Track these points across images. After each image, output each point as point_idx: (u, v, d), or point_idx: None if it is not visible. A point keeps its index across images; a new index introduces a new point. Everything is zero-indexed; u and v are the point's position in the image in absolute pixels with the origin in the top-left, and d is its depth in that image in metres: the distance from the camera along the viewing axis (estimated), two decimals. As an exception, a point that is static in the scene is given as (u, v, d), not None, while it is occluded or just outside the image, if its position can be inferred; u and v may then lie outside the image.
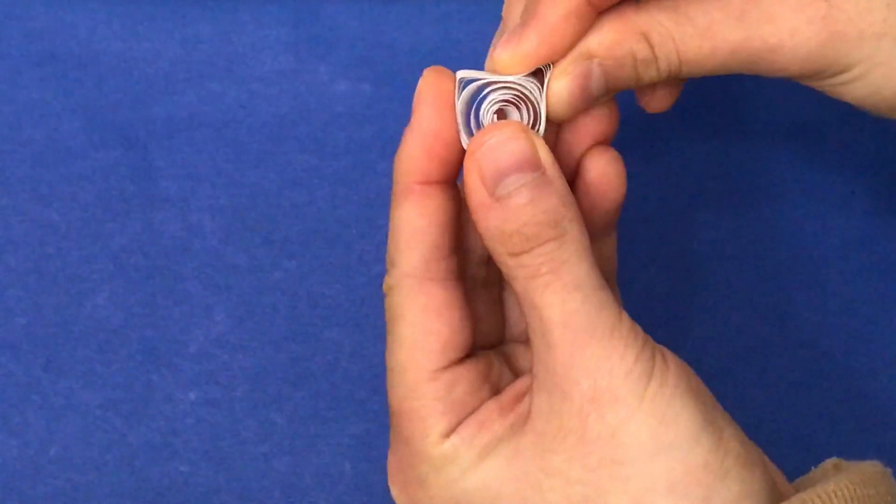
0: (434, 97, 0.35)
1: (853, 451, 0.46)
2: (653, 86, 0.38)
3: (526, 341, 0.38)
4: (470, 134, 0.35)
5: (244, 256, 0.47)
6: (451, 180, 0.35)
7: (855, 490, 0.33)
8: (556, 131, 0.37)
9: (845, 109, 0.49)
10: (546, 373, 0.33)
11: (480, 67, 0.36)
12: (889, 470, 0.36)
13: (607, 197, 0.37)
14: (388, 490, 0.37)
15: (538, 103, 0.35)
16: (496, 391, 0.36)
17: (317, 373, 0.46)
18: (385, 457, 0.37)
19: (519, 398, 0.35)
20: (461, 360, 0.35)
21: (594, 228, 0.36)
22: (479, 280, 0.38)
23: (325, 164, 0.48)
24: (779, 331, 0.47)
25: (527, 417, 0.34)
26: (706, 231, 0.48)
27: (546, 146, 0.34)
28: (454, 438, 0.34)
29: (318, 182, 0.48)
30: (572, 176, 0.37)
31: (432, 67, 0.36)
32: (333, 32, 0.49)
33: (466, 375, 0.35)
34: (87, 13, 0.49)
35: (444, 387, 0.34)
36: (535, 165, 0.33)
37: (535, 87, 0.35)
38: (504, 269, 0.34)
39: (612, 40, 0.35)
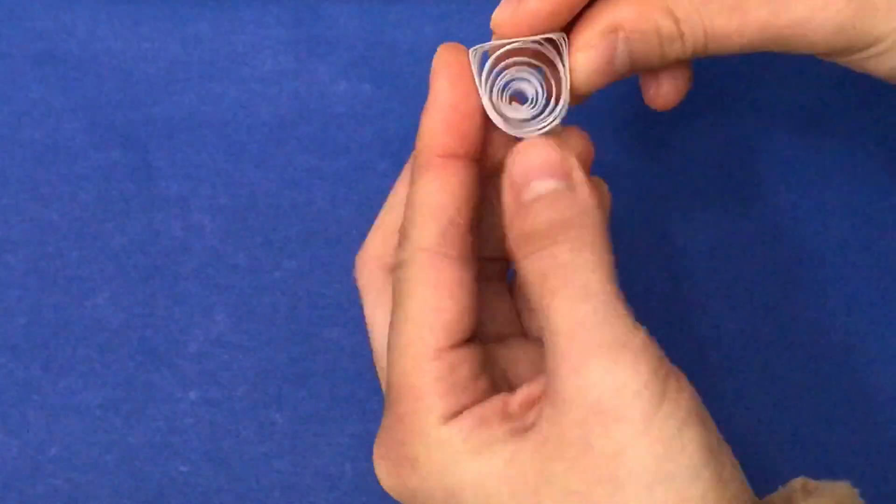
0: (450, 70, 0.35)
1: (853, 451, 0.46)
2: (658, 81, 0.38)
3: (514, 340, 0.38)
4: (493, 108, 0.35)
5: (244, 256, 0.47)
6: (472, 155, 0.35)
7: None
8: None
9: (845, 109, 0.49)
10: (553, 380, 0.33)
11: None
12: (857, 491, 0.35)
13: None
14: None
15: (559, 67, 0.35)
16: (493, 383, 0.36)
17: (317, 373, 0.46)
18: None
19: (531, 402, 0.34)
20: (464, 344, 0.35)
21: None
22: (486, 272, 0.38)
23: (325, 164, 0.48)
24: (779, 331, 0.47)
25: (534, 422, 0.33)
26: (706, 231, 0.48)
27: (574, 157, 0.34)
28: (453, 427, 0.34)
29: (318, 182, 0.48)
30: None
31: (445, 43, 0.35)
32: (333, 32, 0.49)
33: (468, 359, 0.35)
34: (87, 13, 0.49)
35: (447, 367, 0.34)
36: (562, 173, 0.34)
37: (552, 50, 0.35)
38: (520, 272, 0.34)
39: (638, 15, 0.35)
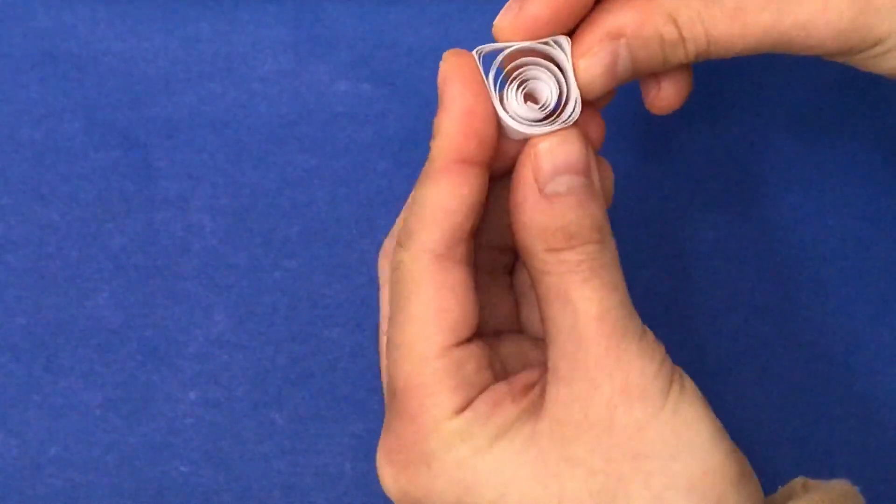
0: (462, 75, 0.35)
1: (853, 451, 0.46)
2: (659, 84, 0.38)
3: (507, 335, 0.38)
4: (504, 109, 0.35)
5: (244, 256, 0.47)
6: (486, 162, 0.35)
7: None
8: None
9: (845, 109, 0.49)
10: (571, 365, 0.34)
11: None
12: (857, 488, 0.36)
13: None
14: (388, 490, 0.36)
15: (566, 69, 0.35)
16: (496, 377, 0.36)
17: (317, 373, 0.46)
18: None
19: (528, 387, 0.35)
20: (468, 341, 0.35)
21: None
22: (486, 268, 0.38)
23: (325, 164, 0.48)
24: (779, 331, 0.47)
25: (539, 405, 0.34)
26: (706, 231, 0.48)
27: (594, 158, 0.35)
28: (468, 414, 0.34)
29: (318, 182, 0.48)
30: None
31: (451, 50, 0.35)
32: (333, 32, 0.49)
33: (474, 354, 0.35)
34: (87, 13, 0.49)
35: (455, 363, 0.34)
36: (586, 171, 0.34)
37: (558, 51, 0.35)
38: (537, 264, 0.34)
39: (639, 21, 0.35)
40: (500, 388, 0.35)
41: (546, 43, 0.35)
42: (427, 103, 0.48)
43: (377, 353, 0.39)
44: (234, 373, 0.46)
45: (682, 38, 0.35)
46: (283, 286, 0.47)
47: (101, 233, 0.47)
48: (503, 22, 0.35)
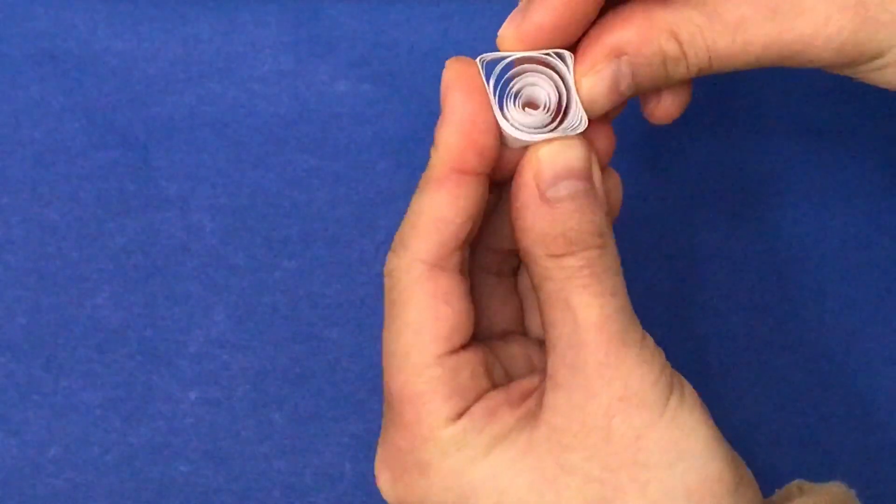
0: (464, 83, 0.35)
1: (853, 451, 0.46)
2: (658, 95, 0.38)
3: (513, 337, 0.38)
4: (504, 118, 0.35)
5: (244, 256, 0.47)
6: (486, 171, 0.35)
7: None
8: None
9: (844, 109, 0.49)
10: (569, 371, 0.34)
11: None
12: (853, 491, 0.36)
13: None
14: (388, 490, 0.36)
15: (567, 83, 0.35)
16: (492, 382, 0.36)
17: (317, 373, 0.46)
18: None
19: (526, 394, 0.35)
20: (463, 348, 0.35)
21: None
22: (493, 270, 0.38)
23: (325, 164, 0.48)
24: (779, 331, 0.47)
25: (537, 413, 0.34)
26: (706, 231, 0.48)
27: (597, 162, 0.35)
28: (464, 422, 0.34)
29: (318, 182, 0.48)
30: None
31: (455, 57, 0.35)
32: (333, 32, 0.49)
33: (469, 362, 0.35)
34: (87, 13, 0.49)
35: (449, 372, 0.34)
36: (588, 177, 0.34)
37: (561, 64, 0.35)
38: (538, 269, 0.34)
39: (641, 38, 0.35)
40: (497, 395, 0.35)
41: (548, 55, 0.35)
42: (427, 103, 0.48)
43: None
44: (234, 373, 0.46)
45: (684, 54, 0.35)
46: (283, 286, 0.47)
47: (101, 233, 0.47)
48: (507, 31, 0.35)
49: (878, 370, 0.47)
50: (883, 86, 0.36)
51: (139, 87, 0.48)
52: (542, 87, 0.35)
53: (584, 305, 0.33)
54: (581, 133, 0.35)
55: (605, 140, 0.36)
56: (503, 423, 0.34)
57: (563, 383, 0.34)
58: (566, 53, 0.35)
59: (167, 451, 0.46)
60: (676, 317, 0.47)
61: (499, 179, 0.36)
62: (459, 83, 0.35)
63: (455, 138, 0.34)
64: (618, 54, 0.35)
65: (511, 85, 0.35)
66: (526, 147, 0.35)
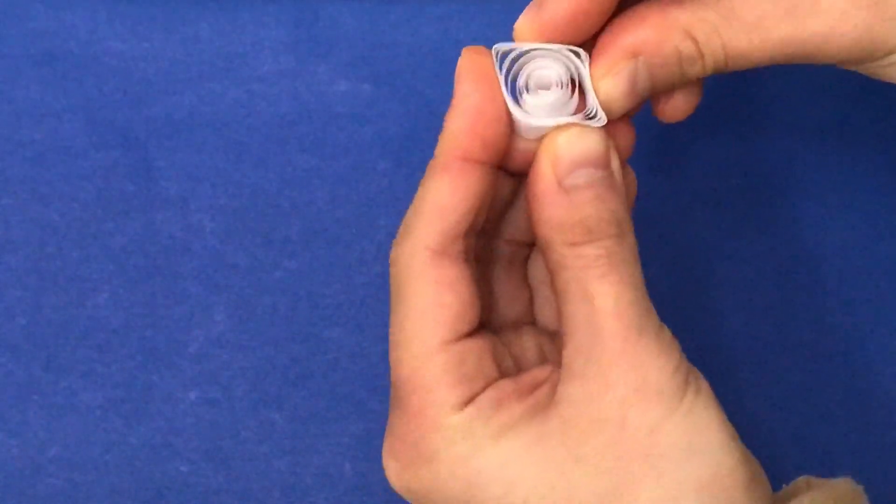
0: (475, 73, 0.35)
1: (853, 451, 0.46)
2: (669, 94, 0.38)
3: (524, 327, 0.38)
4: (516, 105, 0.35)
5: (244, 256, 0.47)
6: (493, 161, 0.35)
7: None
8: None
9: (844, 110, 0.49)
10: (585, 361, 0.33)
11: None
12: (861, 487, 0.36)
13: None
14: (388, 490, 0.36)
15: (581, 74, 0.35)
16: (501, 371, 0.36)
17: (317, 373, 0.46)
18: (386, 456, 0.37)
19: (536, 385, 0.35)
20: (469, 335, 0.35)
21: None
22: (505, 259, 0.38)
23: (325, 164, 0.48)
24: (779, 331, 0.47)
25: (547, 403, 0.34)
26: (706, 231, 0.48)
27: (615, 150, 0.35)
28: (470, 410, 0.34)
29: (318, 182, 0.48)
30: None
31: (469, 46, 0.35)
32: (333, 32, 0.49)
33: (475, 350, 0.35)
34: (87, 13, 0.49)
35: (454, 359, 0.34)
36: (606, 164, 0.34)
37: (576, 57, 0.35)
38: (555, 257, 0.34)
39: (657, 38, 0.34)
40: (506, 385, 0.35)
41: (563, 50, 0.35)
42: (427, 103, 0.48)
43: (382, 357, 0.39)
44: (234, 373, 0.46)
45: (701, 54, 0.35)
46: (283, 286, 0.47)
47: (101, 233, 0.47)
48: (523, 23, 0.35)
49: (878, 370, 0.47)
50: (894, 82, 0.36)
51: (139, 87, 0.48)
52: (550, 68, 0.35)
53: (601, 294, 0.33)
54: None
55: (624, 136, 0.36)
56: (511, 413, 0.34)
57: (578, 373, 0.33)
58: (581, 51, 0.35)
59: (167, 451, 0.46)
60: (677, 317, 0.47)
61: (514, 170, 0.36)
62: (471, 72, 0.35)
63: (461, 126, 0.34)
64: (634, 55, 0.34)
65: (522, 71, 0.35)
66: (543, 134, 0.35)
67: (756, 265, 0.47)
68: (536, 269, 0.39)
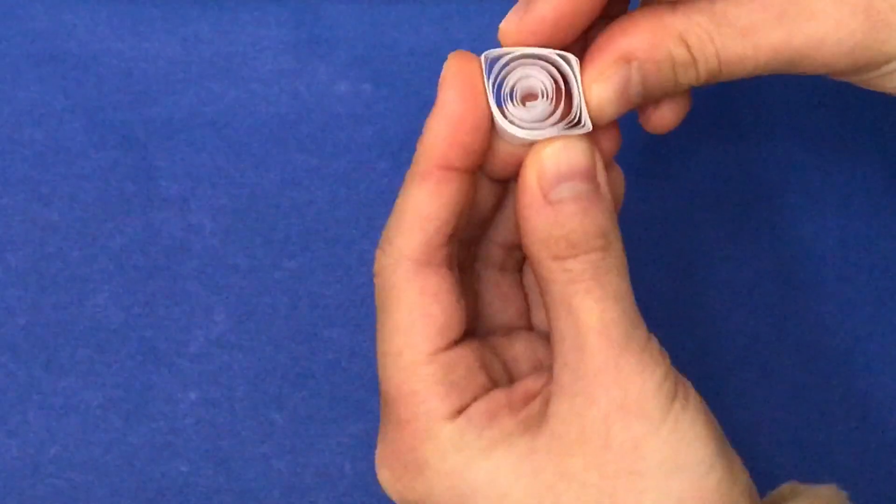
0: (460, 79, 0.34)
1: (853, 451, 0.46)
2: (656, 104, 0.37)
3: (518, 332, 0.38)
4: (501, 113, 0.34)
5: (244, 256, 0.47)
6: (472, 168, 0.35)
7: None
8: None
9: (843, 110, 0.49)
10: (572, 376, 0.33)
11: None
12: (845, 493, 0.36)
13: None
14: (388, 490, 0.36)
15: (571, 80, 0.34)
16: (491, 378, 0.36)
17: (317, 373, 0.46)
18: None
19: (529, 397, 0.35)
20: (456, 343, 0.35)
21: None
22: (497, 265, 0.38)
23: (325, 164, 0.48)
24: (779, 331, 0.47)
25: (539, 417, 0.34)
26: (707, 233, 0.48)
27: (601, 161, 0.34)
28: (462, 422, 0.34)
29: (318, 182, 0.48)
30: None
31: (456, 51, 0.35)
32: (333, 32, 0.49)
33: (464, 358, 0.35)
34: (87, 13, 0.49)
35: (442, 369, 0.34)
36: (591, 177, 0.34)
37: (564, 64, 0.34)
38: (541, 271, 0.34)
39: (650, 44, 0.34)
40: (499, 396, 0.35)
41: (553, 58, 0.34)
42: (427, 103, 0.48)
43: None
44: (234, 373, 0.46)
45: (694, 60, 0.34)
46: (283, 286, 0.47)
47: (101, 233, 0.47)
48: (508, 25, 0.34)
49: (878, 370, 0.47)
50: (890, 92, 0.36)
51: (139, 87, 0.48)
52: (536, 77, 0.34)
53: (585, 310, 0.33)
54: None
55: (609, 140, 0.36)
56: (503, 426, 0.34)
57: (566, 388, 0.33)
58: (571, 56, 0.34)
59: (167, 451, 0.46)
60: (676, 317, 0.47)
61: (499, 175, 0.36)
62: (455, 78, 0.34)
63: (441, 134, 0.34)
64: (627, 60, 0.34)
65: (507, 80, 0.34)
66: (529, 143, 0.34)
67: (755, 266, 0.47)
68: (531, 274, 0.39)
